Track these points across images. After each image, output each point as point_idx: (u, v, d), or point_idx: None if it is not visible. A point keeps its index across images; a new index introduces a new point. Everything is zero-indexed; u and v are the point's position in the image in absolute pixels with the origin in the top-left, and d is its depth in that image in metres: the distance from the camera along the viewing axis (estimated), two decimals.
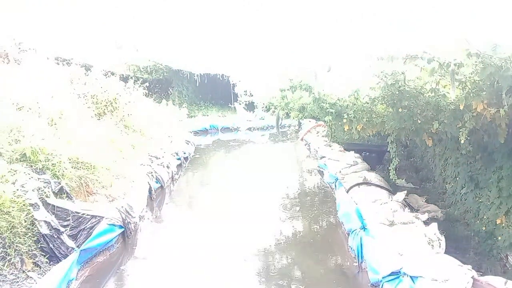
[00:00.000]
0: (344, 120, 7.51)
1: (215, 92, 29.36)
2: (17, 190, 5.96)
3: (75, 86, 12.32)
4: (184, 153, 14.95)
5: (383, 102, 7.10)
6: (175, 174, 12.56)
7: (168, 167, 11.91)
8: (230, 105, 26.73)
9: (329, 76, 7.60)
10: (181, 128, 18.11)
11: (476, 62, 5.14)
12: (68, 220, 6.34)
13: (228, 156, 17.98)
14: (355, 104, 7.47)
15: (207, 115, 26.83)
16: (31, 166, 6.76)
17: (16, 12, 18.92)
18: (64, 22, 21.26)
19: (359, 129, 7.77)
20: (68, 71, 13.29)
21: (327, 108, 7.46)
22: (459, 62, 5.36)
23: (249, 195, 11.11)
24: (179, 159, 13.90)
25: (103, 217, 6.82)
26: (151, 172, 10.50)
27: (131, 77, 19.64)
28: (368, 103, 7.46)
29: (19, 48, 17.22)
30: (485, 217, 7.23)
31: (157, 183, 10.67)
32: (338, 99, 7.61)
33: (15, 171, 6.40)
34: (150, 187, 9.97)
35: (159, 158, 11.92)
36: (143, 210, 8.79)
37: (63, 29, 21.16)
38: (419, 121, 6.76)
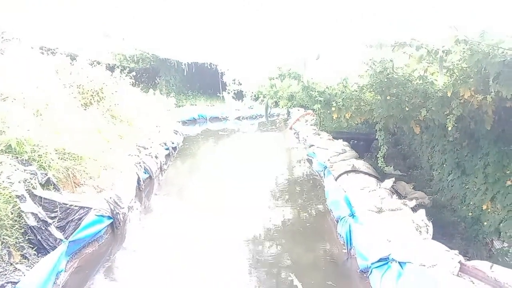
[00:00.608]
0: (333, 108, 7.53)
1: (203, 81, 29.17)
2: (3, 182, 5.86)
3: (61, 75, 12.10)
4: (173, 143, 14.87)
5: (372, 89, 7.12)
6: (163, 164, 12.49)
7: (156, 157, 11.83)
8: (218, 94, 26.63)
9: (318, 64, 7.58)
10: (169, 118, 17.98)
11: (464, 49, 5.15)
12: (56, 211, 6.26)
13: (217, 145, 17.93)
14: (343, 92, 7.48)
15: (195, 105, 26.68)
16: (17, 157, 6.65)
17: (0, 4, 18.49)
18: (49, 11, 20.82)
19: (348, 117, 7.79)
20: (53, 60, 13.03)
21: (316, 97, 7.46)
22: (447, 49, 5.38)
23: (238, 184, 11.11)
24: (167, 149, 13.82)
25: (91, 208, 6.76)
26: (139, 163, 10.42)
27: (118, 67, 19.38)
28: (356, 91, 7.48)
29: (2, 38, 16.84)
30: (471, 203, 7.34)
31: (145, 173, 10.60)
32: (327, 87, 7.62)
33: (0, 162, 6.29)
34: (139, 178, 9.90)
35: (147, 148, 11.82)
36: (131, 201, 8.73)
37: (48, 18, 20.74)
38: (407, 109, 6.80)
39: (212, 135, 20.33)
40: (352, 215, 7.19)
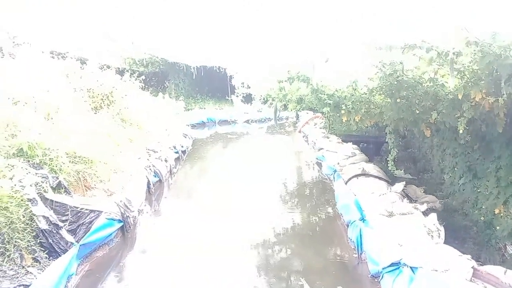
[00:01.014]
0: (342, 111, 7.50)
1: (211, 85, 29.25)
2: (15, 185, 5.91)
3: (71, 79, 12.23)
4: (182, 147, 14.92)
5: (381, 92, 7.08)
6: (173, 168, 12.53)
7: (166, 160, 11.88)
8: (227, 97, 26.66)
9: (327, 67, 7.56)
10: (178, 121, 18.05)
11: (475, 50, 5.11)
12: (67, 215, 6.31)
13: (226, 149, 17.95)
14: (353, 95, 7.45)
15: (204, 108, 26.77)
16: (29, 161, 6.72)
17: (13, 9, 18.73)
18: (59, 16, 21.03)
19: (357, 120, 7.75)
20: (63, 64, 13.18)
21: (325, 99, 7.44)
22: (458, 51, 5.33)
23: (248, 187, 11.11)
24: (177, 152, 13.87)
25: (102, 212, 6.80)
26: (149, 166, 10.47)
27: (127, 70, 19.54)
28: (366, 93, 7.45)
29: (14, 42, 17.10)
30: (483, 207, 7.25)
31: (155, 176, 10.64)
32: (336, 90, 7.59)
33: (12, 166, 6.35)
34: (149, 181, 9.94)
35: (157, 151, 11.88)
36: (141, 204, 8.76)
37: (58, 23, 20.96)
38: (417, 111, 6.74)
39: (221, 138, 20.37)
40: (363, 219, 7.15)
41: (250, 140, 20.51)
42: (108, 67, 15.88)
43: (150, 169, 10.40)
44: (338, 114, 7.79)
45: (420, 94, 6.62)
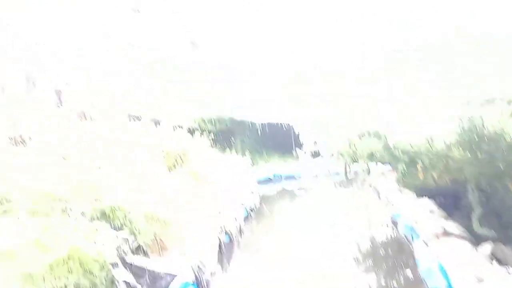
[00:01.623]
0: (419, 168, 7.21)
1: (276, 140, 29.64)
2: (99, 248, 6.20)
3: (147, 140, 13.00)
4: (250, 204, 14.98)
5: (461, 147, 6.74)
6: (242, 227, 12.54)
7: (236, 219, 11.95)
8: (292, 152, 26.82)
9: (400, 123, 7.39)
10: (246, 177, 18.29)
11: None
12: (144, 277, 6.46)
13: (294, 205, 17.76)
14: (429, 151, 7.16)
15: (269, 163, 27.01)
16: (111, 223, 7.06)
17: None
18: (136, 83, 22.76)
19: (436, 177, 7.40)
20: (139, 125, 14.11)
21: (399, 156, 7.21)
22: None
23: (318, 246, 10.77)
24: (245, 210, 13.93)
25: (176, 275, 6.88)
26: (221, 226, 10.56)
27: (197, 129, 20.45)
28: (443, 149, 7.13)
29: (95, 107, 18.66)
30: None
31: (226, 236, 10.69)
32: (411, 145, 7.35)
33: (96, 229, 6.70)
34: (220, 241, 10.00)
35: (227, 210, 12.00)
36: (214, 266, 8.77)
37: (135, 88, 22.67)
38: (501, 166, 6.31)
39: (288, 194, 20.25)
40: (450, 286, 6.58)
41: (318, 195, 20.16)
42: (181, 127, 16.73)
43: (221, 228, 10.48)
44: (413, 170, 7.49)
45: (503, 147, 6.21)
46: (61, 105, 15.84)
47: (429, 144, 7.17)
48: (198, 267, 7.47)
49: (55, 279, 5.40)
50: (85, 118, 14.63)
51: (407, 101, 7.50)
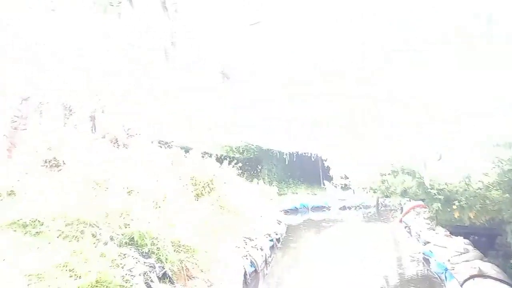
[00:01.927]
0: (454, 207, 6.98)
1: (303, 170, 29.42)
2: (126, 274, 6.20)
3: (176, 167, 13.13)
4: (276, 234, 14.78)
5: (499, 188, 6.51)
6: (268, 257, 12.34)
7: (261, 249, 11.78)
8: (319, 183, 26.53)
9: (438, 163, 7.18)
10: (272, 206, 18.13)
11: None
12: None
13: (320, 237, 17.42)
14: (466, 190, 6.93)
15: (296, 193, 26.74)
16: (138, 249, 7.07)
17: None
18: (163, 111, 23.21)
19: (472, 217, 7.13)
20: (169, 153, 14.29)
21: (435, 194, 7.00)
22: None
23: (346, 281, 10.45)
24: (271, 240, 13.74)
25: None
26: (246, 255, 10.43)
27: (225, 157, 20.55)
28: (481, 189, 6.89)
29: (127, 134, 19.10)
30: None
31: (251, 266, 10.53)
32: (446, 184, 7.14)
33: (124, 255, 6.72)
34: (245, 272, 9.84)
35: (253, 240, 11.87)
36: None
37: (163, 116, 23.13)
38: None
39: (314, 225, 19.90)
40: None
41: (346, 228, 19.72)
42: (210, 155, 16.86)
43: (246, 258, 10.34)
44: (449, 209, 7.24)
45: None
46: (95, 130, 16.28)
47: (466, 184, 6.94)
48: None
49: None
50: (117, 144, 14.96)
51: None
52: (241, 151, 27.64)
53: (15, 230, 7.15)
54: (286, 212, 21.57)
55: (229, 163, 16.09)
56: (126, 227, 7.51)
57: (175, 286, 6.89)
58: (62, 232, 7.13)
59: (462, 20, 5.71)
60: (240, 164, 17.40)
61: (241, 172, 18.73)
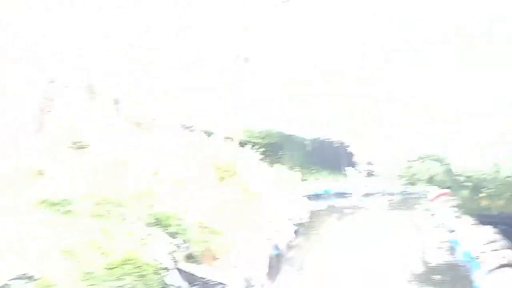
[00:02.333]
0: (482, 195, 6.82)
1: (326, 156, 29.11)
2: (152, 253, 6.35)
3: (198, 151, 13.24)
4: (299, 219, 14.80)
5: None
6: (291, 241, 12.41)
7: (284, 233, 11.85)
8: (341, 169, 26.23)
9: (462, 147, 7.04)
10: (295, 192, 18.10)
11: None
12: (196, 284, 6.53)
13: (342, 223, 17.32)
14: (495, 178, 6.76)
15: (319, 179, 26.53)
16: (165, 230, 7.23)
17: None
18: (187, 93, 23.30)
19: (500, 205, 6.96)
20: (192, 137, 14.38)
21: (463, 182, 6.86)
22: None
23: (369, 267, 10.42)
24: (295, 225, 13.79)
25: (225, 285, 6.90)
26: (269, 239, 10.52)
27: (247, 142, 20.53)
28: (510, 177, 6.72)
29: (151, 118, 19.30)
30: None
31: (275, 250, 10.62)
32: (475, 172, 6.98)
33: (150, 234, 6.89)
34: (270, 255, 9.94)
35: (277, 224, 11.94)
36: (262, 279, 8.72)
37: (187, 100, 23.20)
38: None
39: (337, 211, 19.75)
40: None
41: (368, 215, 19.51)
42: (232, 139, 16.91)
43: (270, 241, 10.43)
44: (476, 197, 7.09)
45: None
46: (119, 113, 16.50)
47: (496, 171, 6.76)
48: (246, 279, 7.46)
49: (113, 280, 5.58)
50: (141, 127, 15.13)
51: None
52: (263, 136, 27.53)
53: (45, 209, 7.41)
54: (309, 197, 21.47)
55: (252, 147, 16.09)
56: (150, 208, 7.67)
57: (200, 266, 7.03)
58: (91, 211, 7.35)
59: (462, 20, 5.59)
60: (262, 149, 17.35)
61: (264, 157, 18.72)
